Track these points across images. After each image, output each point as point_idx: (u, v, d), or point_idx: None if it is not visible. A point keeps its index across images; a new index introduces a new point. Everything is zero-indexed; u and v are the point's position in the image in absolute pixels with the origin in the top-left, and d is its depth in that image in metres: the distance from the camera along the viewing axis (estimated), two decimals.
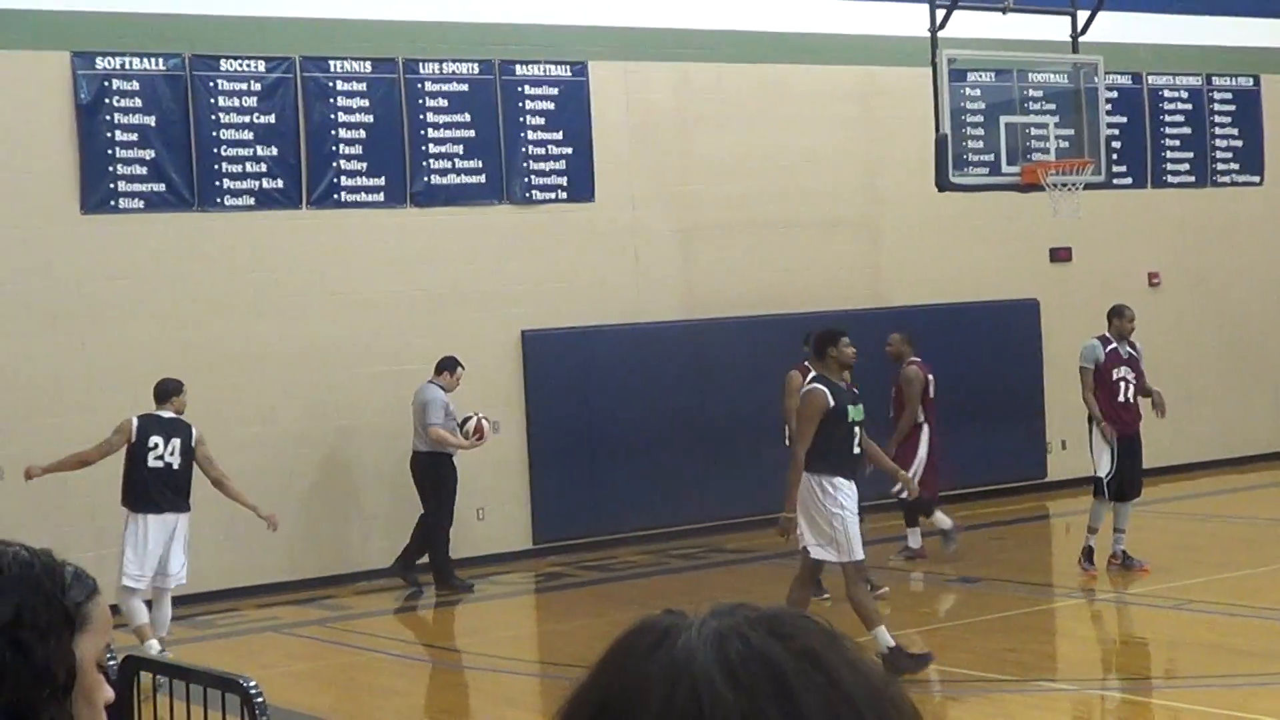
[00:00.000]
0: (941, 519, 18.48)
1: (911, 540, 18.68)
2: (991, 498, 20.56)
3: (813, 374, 13.90)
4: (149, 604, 15.25)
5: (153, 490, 15.22)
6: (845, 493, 13.46)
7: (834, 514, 13.37)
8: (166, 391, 15.59)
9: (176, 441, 15.31)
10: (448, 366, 18.44)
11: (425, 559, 18.48)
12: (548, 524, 20.41)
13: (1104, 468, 17.29)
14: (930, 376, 18.54)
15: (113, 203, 18.37)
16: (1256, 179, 26.59)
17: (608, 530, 20.38)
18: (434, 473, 18.34)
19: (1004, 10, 19.73)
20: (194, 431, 15.44)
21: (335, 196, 19.56)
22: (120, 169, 18.41)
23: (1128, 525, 17.32)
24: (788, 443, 15.38)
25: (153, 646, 14.57)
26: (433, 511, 18.35)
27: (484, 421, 18.15)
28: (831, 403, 13.37)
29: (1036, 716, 12.87)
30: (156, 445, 15.28)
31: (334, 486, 19.36)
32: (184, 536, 15.30)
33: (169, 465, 15.26)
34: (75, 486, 17.68)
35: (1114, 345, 17.61)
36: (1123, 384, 17.50)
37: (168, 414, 15.46)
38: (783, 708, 1.54)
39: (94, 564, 3.05)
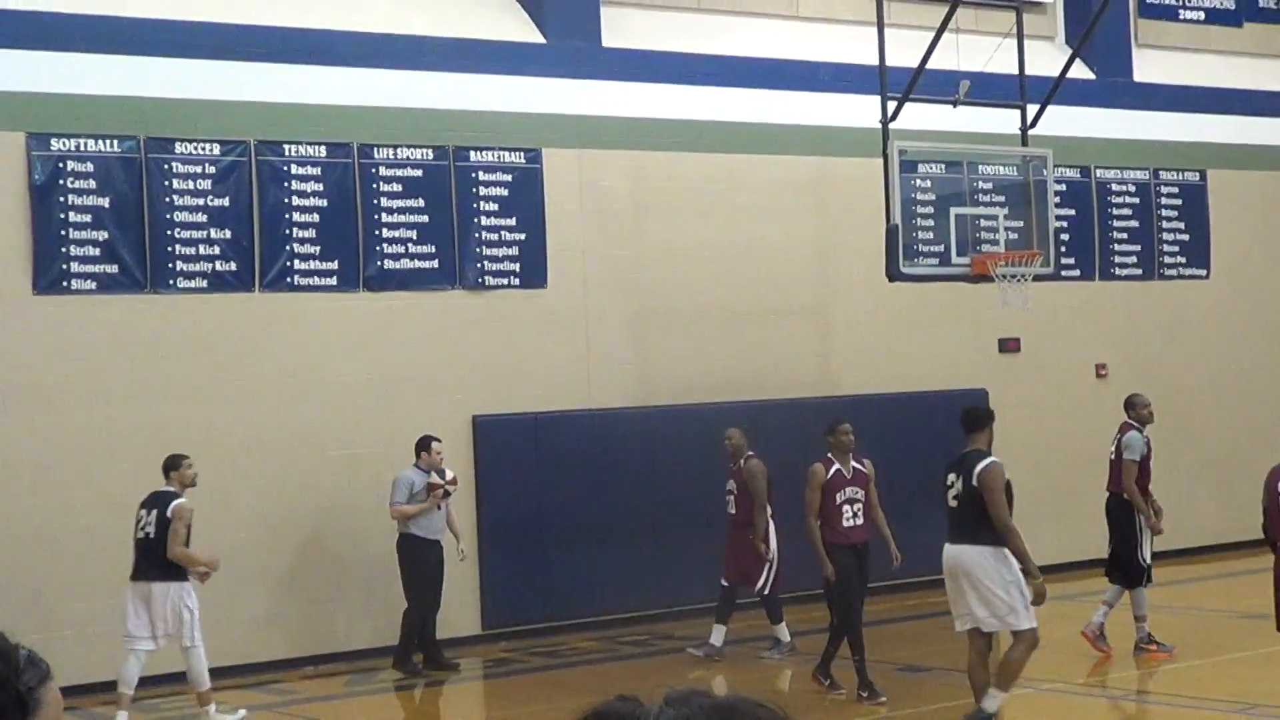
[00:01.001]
0: (783, 630, 18.89)
1: (781, 635, 18.76)
2: (939, 586, 20.50)
3: (992, 456, 14.06)
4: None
5: (136, 559, 16.03)
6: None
7: (1011, 582, 13.65)
8: (166, 466, 16.34)
9: (155, 513, 15.94)
10: (422, 446, 18.45)
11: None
12: (498, 609, 20.34)
13: (1148, 555, 17.75)
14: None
15: (65, 283, 18.31)
16: (1203, 272, 26.81)
17: (558, 616, 20.33)
18: (408, 555, 18.43)
19: (954, 104, 19.88)
20: (171, 506, 15.89)
21: (288, 280, 19.53)
22: (73, 250, 18.36)
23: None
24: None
25: (120, 717, 15.80)
26: (410, 595, 18.34)
27: (435, 477, 18.19)
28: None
29: None
30: (141, 517, 16.06)
31: (286, 570, 19.27)
32: (169, 602, 15.79)
33: (146, 535, 15.94)
34: (20, 571, 17.57)
35: (1147, 436, 18.09)
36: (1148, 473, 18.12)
37: (167, 488, 16.14)
38: None
39: (42, 647, 2.98)
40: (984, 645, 13.97)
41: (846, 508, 16.27)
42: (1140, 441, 17.92)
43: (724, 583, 18.67)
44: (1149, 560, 17.78)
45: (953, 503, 13.99)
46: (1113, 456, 18.11)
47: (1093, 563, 18.96)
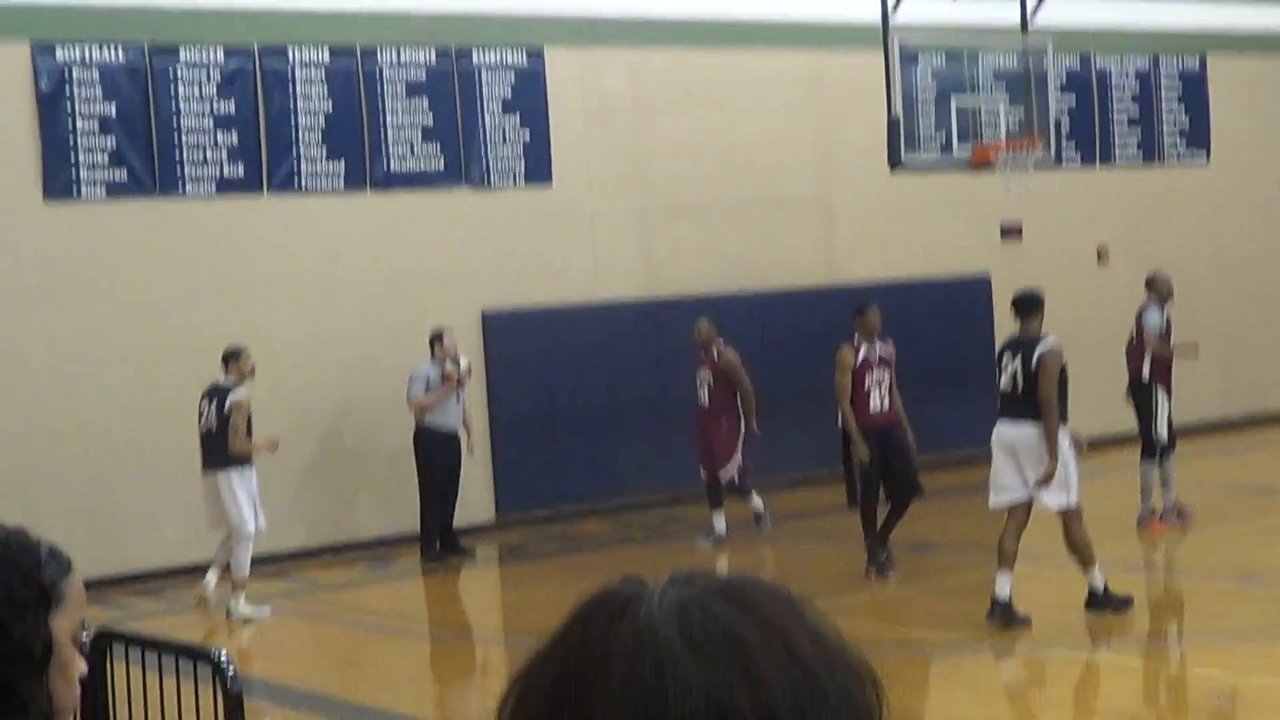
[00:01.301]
0: (757, 502, 18.89)
1: (717, 525, 18.63)
2: (944, 468, 20.61)
3: (1052, 337, 14.32)
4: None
5: (202, 451, 16.45)
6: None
7: (1064, 462, 13.87)
8: (225, 358, 16.70)
9: (214, 406, 16.31)
10: (436, 339, 18.57)
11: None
12: (511, 498, 20.50)
13: (1164, 431, 17.89)
14: None
15: (75, 190, 18.36)
16: (1202, 157, 26.75)
17: (570, 503, 20.46)
18: (425, 448, 18.61)
19: None
20: (229, 399, 16.23)
21: (295, 182, 19.58)
22: (82, 157, 18.40)
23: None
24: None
25: (207, 584, 16.55)
26: (427, 486, 18.53)
27: (449, 366, 18.32)
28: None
29: (993, 677, 12.99)
30: (202, 410, 16.43)
31: (301, 466, 19.39)
32: (233, 493, 16.19)
33: (207, 429, 16.31)
34: (37, 469, 17.72)
35: (1168, 312, 18.27)
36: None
37: (226, 380, 16.48)
38: (745, 679, 1.52)
39: (66, 540, 3.13)
40: (1024, 519, 14.14)
41: (874, 391, 16.18)
42: (1160, 317, 18.05)
43: (703, 474, 18.74)
44: (1165, 436, 17.83)
45: (1008, 383, 14.23)
46: (1132, 337, 18.15)
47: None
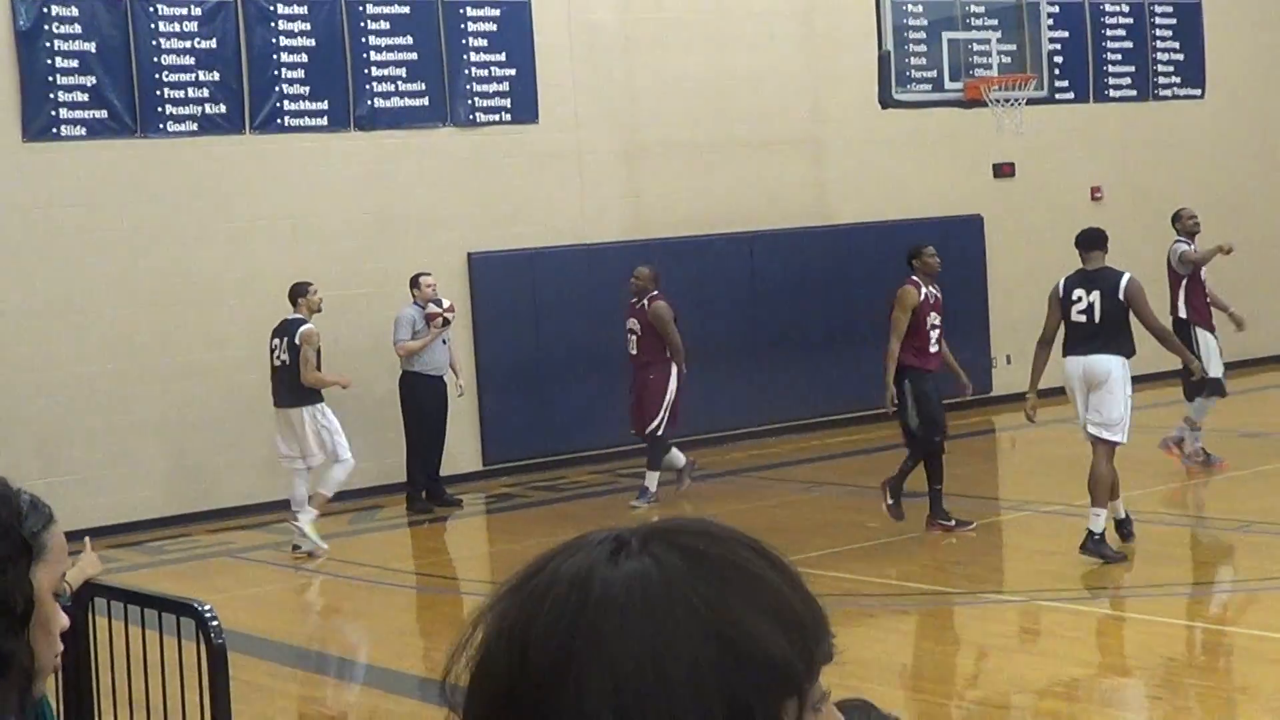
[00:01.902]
0: (677, 456, 18.41)
1: (650, 485, 18.14)
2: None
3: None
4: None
5: (274, 387, 16.94)
6: None
7: (1129, 397, 14.34)
8: (292, 293, 17.13)
9: (285, 340, 16.67)
10: (413, 283, 18.50)
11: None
12: (497, 445, 20.49)
13: (1216, 368, 17.95)
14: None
15: (55, 130, 18.27)
16: (1198, 92, 26.70)
17: (557, 451, 20.45)
18: (411, 393, 18.59)
19: None
20: (299, 331, 16.59)
21: (279, 121, 19.50)
22: (61, 96, 18.30)
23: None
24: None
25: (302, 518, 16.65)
26: (414, 433, 18.48)
27: (432, 307, 18.25)
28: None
29: (984, 628, 12.97)
30: (274, 346, 16.84)
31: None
32: (314, 427, 16.64)
33: (281, 363, 16.70)
34: (19, 418, 17.67)
35: (1196, 246, 18.24)
36: (1205, 283, 18.23)
37: (295, 315, 16.88)
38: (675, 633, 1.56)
39: (46, 492, 3.04)
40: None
41: (933, 333, 15.86)
42: (1187, 252, 18.09)
43: (633, 430, 18.29)
44: (1218, 370, 17.92)
45: (1081, 316, 14.47)
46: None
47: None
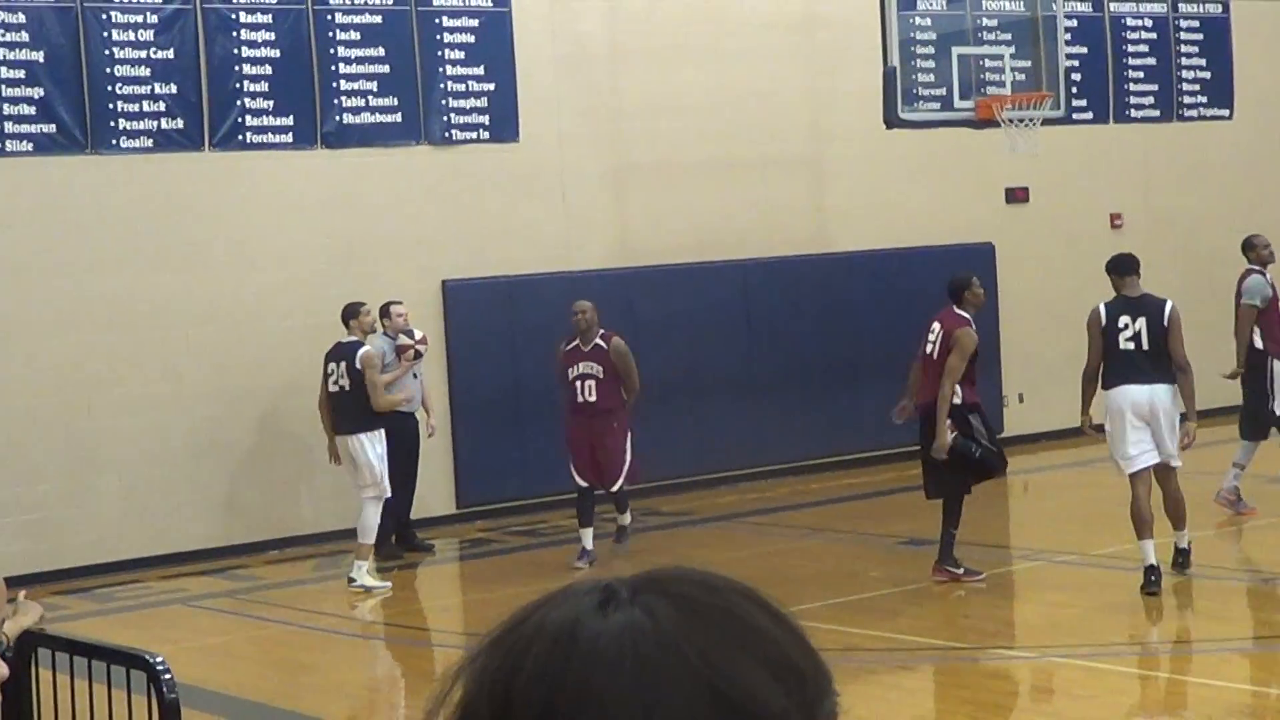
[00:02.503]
0: (627, 515, 17.97)
1: (587, 542, 17.59)
2: None
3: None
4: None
5: (332, 414, 17.26)
6: None
7: (1180, 422, 14.97)
8: (345, 315, 17.47)
9: (344, 365, 16.99)
10: (383, 313, 18.22)
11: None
12: (473, 487, 20.46)
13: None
14: None
15: None
16: (1225, 113, 26.79)
17: (536, 493, 20.40)
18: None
19: None
20: (359, 355, 16.96)
21: (240, 137, 19.53)
22: (6, 109, 18.34)
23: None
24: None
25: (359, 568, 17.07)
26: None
27: (403, 339, 18.25)
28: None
29: (995, 686, 12.97)
30: (331, 370, 17.12)
31: (243, 448, 19.37)
32: (366, 455, 16.94)
33: (340, 389, 16.99)
34: None
35: (1271, 278, 18.35)
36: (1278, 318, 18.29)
37: (350, 338, 17.27)
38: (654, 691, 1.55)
39: None
40: (1151, 482, 14.88)
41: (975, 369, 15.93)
42: (1262, 284, 18.12)
43: (581, 482, 17.47)
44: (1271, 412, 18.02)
45: (1130, 344, 14.90)
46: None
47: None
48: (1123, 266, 15.34)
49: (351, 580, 17.01)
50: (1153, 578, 14.64)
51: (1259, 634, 13.80)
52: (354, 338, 17.28)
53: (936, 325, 15.81)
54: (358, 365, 16.92)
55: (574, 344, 17.27)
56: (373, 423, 16.99)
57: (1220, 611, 14.50)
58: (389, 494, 17.18)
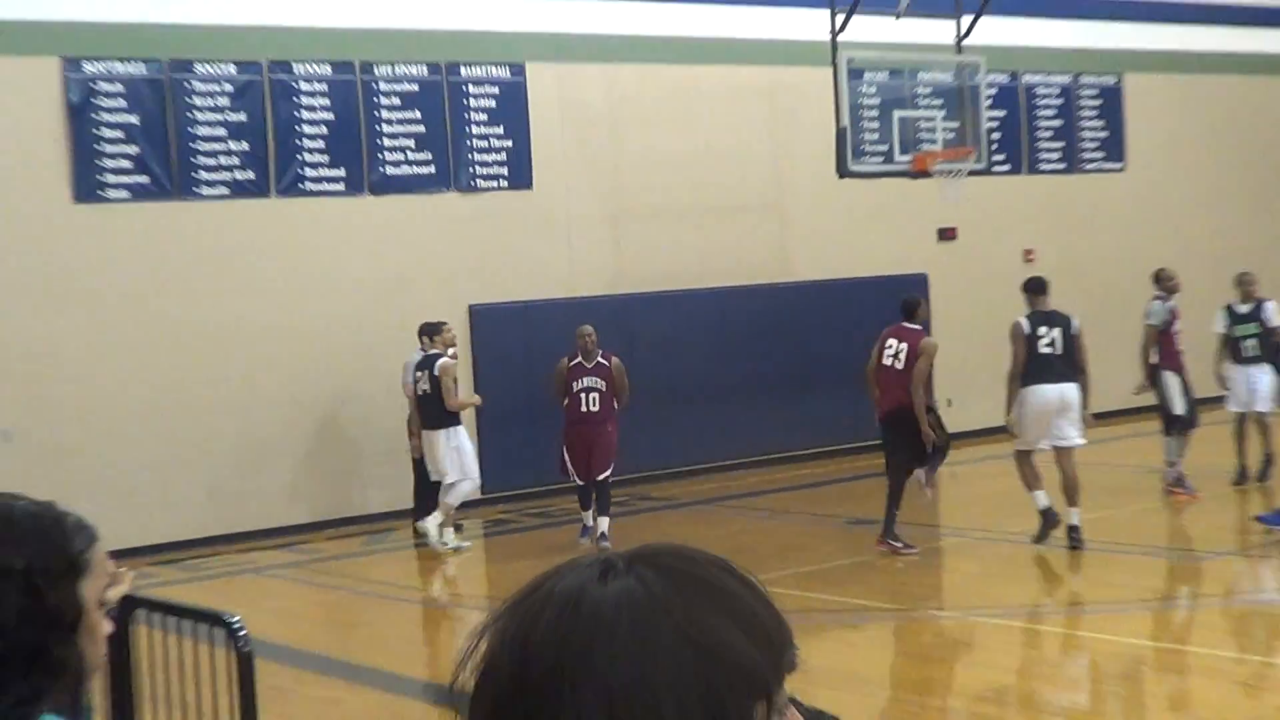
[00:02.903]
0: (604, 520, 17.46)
1: (588, 521, 17.42)
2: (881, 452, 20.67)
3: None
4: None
5: (419, 413, 17.47)
6: None
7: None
8: (429, 331, 17.67)
9: (427, 373, 17.14)
10: (434, 330, 17.86)
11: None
12: (494, 476, 20.36)
13: (1180, 407, 18.07)
14: None
15: (101, 193, 18.31)
16: (1119, 165, 26.84)
17: (547, 481, 20.36)
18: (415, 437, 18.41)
19: (897, 16, 19.78)
20: (438, 365, 17.19)
21: (300, 186, 19.54)
22: (107, 163, 18.35)
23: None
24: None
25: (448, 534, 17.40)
26: (417, 467, 18.39)
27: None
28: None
29: (925, 640, 12.99)
30: (418, 378, 17.39)
31: (305, 445, 19.37)
32: (447, 448, 17.24)
33: (424, 393, 17.29)
34: (74, 447, 17.66)
35: (1171, 303, 18.35)
36: (1177, 336, 18.33)
37: (433, 351, 17.39)
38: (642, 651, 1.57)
39: (93, 514, 3.07)
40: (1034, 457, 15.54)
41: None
42: (1162, 309, 18.19)
43: (579, 480, 17.27)
44: (1182, 410, 18.03)
45: (1048, 349, 15.42)
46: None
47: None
48: (1037, 286, 15.82)
49: (433, 540, 17.21)
50: (1050, 519, 15.27)
51: (1142, 598, 13.81)
52: (435, 350, 17.35)
53: (894, 340, 15.85)
54: (435, 373, 17.05)
55: (577, 361, 17.11)
56: (450, 420, 17.19)
57: (1109, 579, 14.53)
58: (477, 479, 17.51)
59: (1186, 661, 11.77)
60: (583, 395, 17.05)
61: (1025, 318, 15.69)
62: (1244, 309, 17.90)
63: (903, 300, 16.46)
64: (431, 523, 17.29)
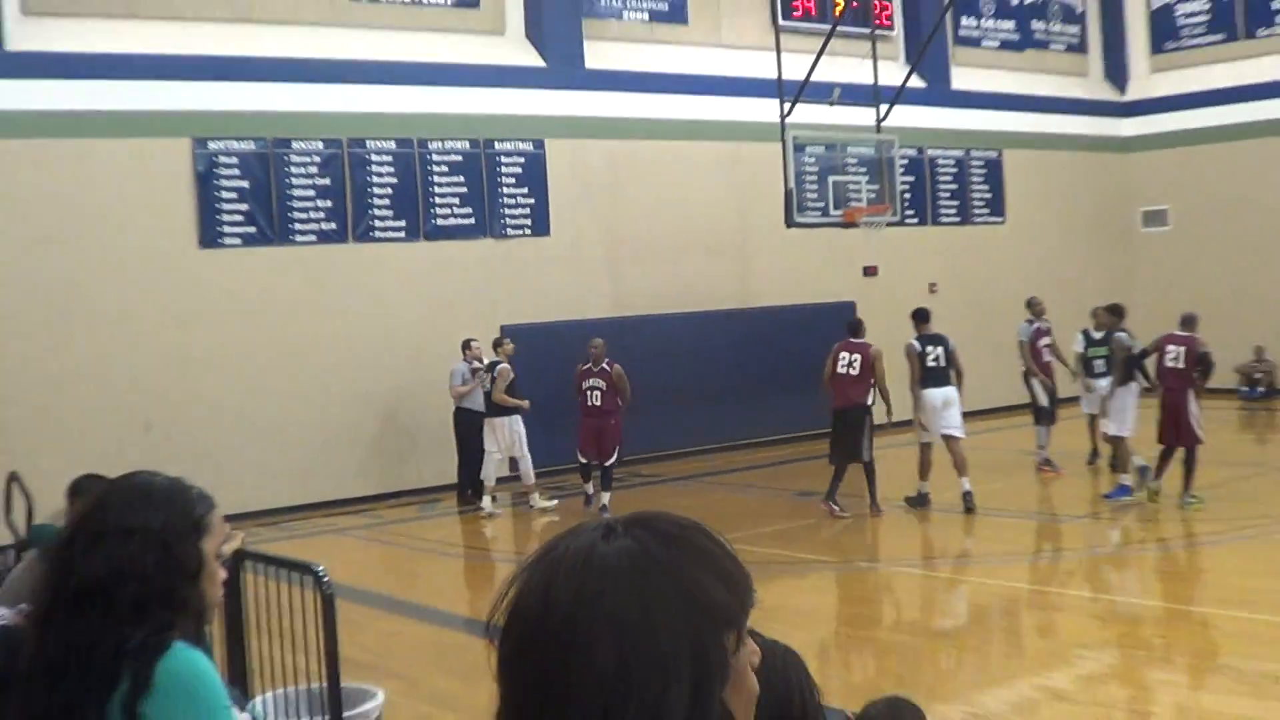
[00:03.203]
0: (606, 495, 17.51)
1: (605, 501, 17.10)
2: (825, 439, 20.69)
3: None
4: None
5: (486, 405, 17.57)
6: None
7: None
8: (495, 344, 17.78)
9: (490, 375, 17.50)
10: (464, 346, 18.21)
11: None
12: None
13: (1045, 403, 18.21)
14: None
15: (220, 241, 18.29)
16: (1000, 220, 26.87)
17: (560, 463, 20.34)
18: (461, 423, 18.43)
19: (830, 104, 19.85)
20: (497, 369, 17.42)
21: (371, 234, 19.52)
22: (225, 217, 18.33)
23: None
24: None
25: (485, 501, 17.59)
26: (462, 451, 18.39)
27: (476, 364, 18.18)
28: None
29: (858, 587, 12.98)
30: (484, 380, 17.59)
31: (372, 435, 19.34)
32: (506, 428, 17.47)
33: (488, 391, 17.50)
34: (197, 435, 17.63)
35: (1037, 324, 18.55)
36: (1044, 349, 18.53)
37: (495, 358, 17.63)
38: (634, 593, 1.57)
39: (209, 485, 3.07)
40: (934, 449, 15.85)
41: None
42: (1027, 329, 18.40)
43: (582, 459, 17.32)
44: (1044, 403, 18.15)
45: (935, 362, 15.82)
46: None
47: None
48: (923, 316, 16.33)
49: (531, 506, 17.57)
50: (924, 500, 15.80)
51: (1024, 550, 13.81)
52: (499, 358, 17.52)
53: (846, 353, 15.88)
54: (495, 375, 17.27)
55: (588, 365, 17.14)
56: (504, 412, 17.38)
57: (994, 536, 14.53)
58: (527, 455, 17.56)
59: (1051, 600, 11.76)
60: (589, 392, 17.06)
61: (916, 339, 16.05)
62: (1097, 335, 17.49)
63: (848, 322, 16.68)
64: (538, 501, 17.62)
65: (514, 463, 18.06)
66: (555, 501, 17.81)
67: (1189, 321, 15.41)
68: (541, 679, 1.55)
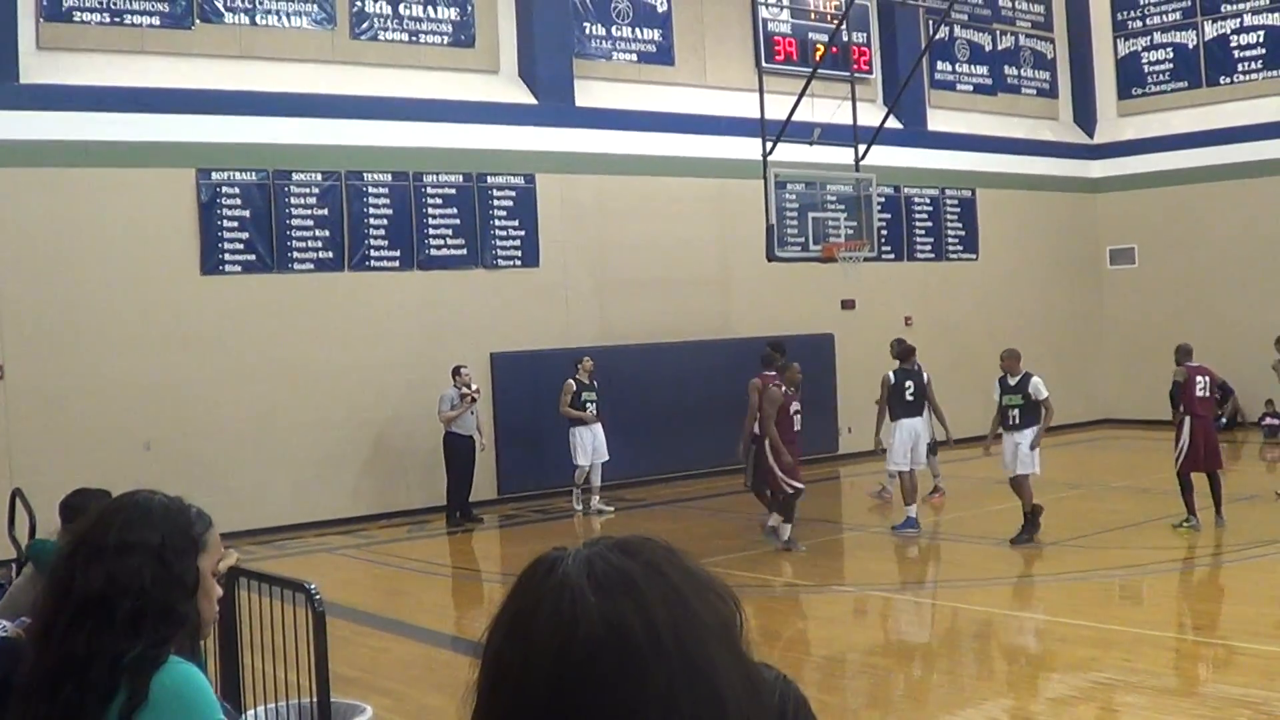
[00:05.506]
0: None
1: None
2: (801, 464, 20.72)
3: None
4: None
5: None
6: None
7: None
8: (576, 362, 18.80)
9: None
10: (454, 372, 18.55)
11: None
12: (508, 481, 20.41)
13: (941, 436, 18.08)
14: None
15: (221, 268, 18.28)
16: (974, 256, 26.95)
17: (548, 486, 20.38)
18: (450, 447, 18.49)
19: (810, 143, 19.93)
20: (563, 385, 18.41)
21: (367, 263, 19.53)
22: (226, 245, 18.33)
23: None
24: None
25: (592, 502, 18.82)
26: (451, 473, 18.40)
27: (465, 389, 18.31)
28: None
29: (828, 608, 12.97)
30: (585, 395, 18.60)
31: (365, 456, 19.30)
32: (573, 441, 18.73)
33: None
34: (196, 455, 17.58)
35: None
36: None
37: (581, 377, 18.61)
38: (634, 605, 1.49)
39: (207, 504, 3.08)
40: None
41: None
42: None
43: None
44: (932, 440, 17.89)
45: (910, 396, 16.17)
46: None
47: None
48: (905, 352, 16.61)
49: (586, 509, 18.58)
50: (916, 521, 15.93)
51: (995, 574, 13.82)
52: (578, 378, 18.69)
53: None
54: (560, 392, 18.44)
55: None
56: (573, 422, 18.71)
57: (968, 561, 14.53)
58: (581, 463, 18.54)
59: (1022, 624, 11.76)
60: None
61: (894, 372, 16.46)
62: (1011, 381, 15.49)
63: (762, 351, 16.88)
64: (594, 500, 18.74)
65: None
66: (612, 510, 18.62)
67: (1190, 353, 15.48)
68: (654, 699, 1.47)
